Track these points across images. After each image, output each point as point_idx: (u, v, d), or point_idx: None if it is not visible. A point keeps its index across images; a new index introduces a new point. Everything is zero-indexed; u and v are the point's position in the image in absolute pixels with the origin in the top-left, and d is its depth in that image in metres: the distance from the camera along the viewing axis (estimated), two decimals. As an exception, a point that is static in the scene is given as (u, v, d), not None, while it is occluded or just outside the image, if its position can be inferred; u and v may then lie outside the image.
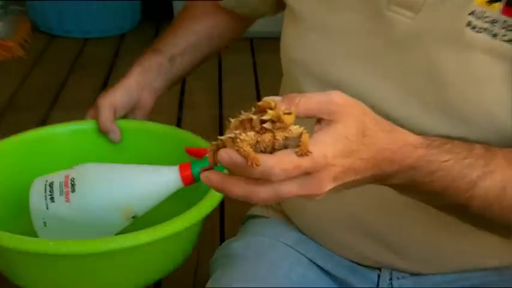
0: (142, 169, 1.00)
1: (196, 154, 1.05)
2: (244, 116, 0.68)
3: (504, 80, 0.83)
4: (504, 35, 0.82)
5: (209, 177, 0.69)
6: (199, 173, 0.71)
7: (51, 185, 0.98)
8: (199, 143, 1.07)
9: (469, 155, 0.79)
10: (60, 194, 0.97)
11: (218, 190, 0.69)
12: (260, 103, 0.67)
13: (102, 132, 1.11)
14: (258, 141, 0.66)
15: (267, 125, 0.66)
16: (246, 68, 3.04)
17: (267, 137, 0.67)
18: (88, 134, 1.12)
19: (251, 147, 0.66)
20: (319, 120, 0.70)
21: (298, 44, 0.96)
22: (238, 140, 0.66)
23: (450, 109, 0.85)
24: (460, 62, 0.84)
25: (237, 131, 0.67)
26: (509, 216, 0.81)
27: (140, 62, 1.15)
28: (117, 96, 1.11)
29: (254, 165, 0.65)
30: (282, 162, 0.66)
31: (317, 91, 0.71)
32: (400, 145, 0.74)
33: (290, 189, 0.68)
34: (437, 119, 0.86)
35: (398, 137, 0.75)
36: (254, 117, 0.67)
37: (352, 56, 0.91)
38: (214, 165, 0.70)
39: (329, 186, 0.69)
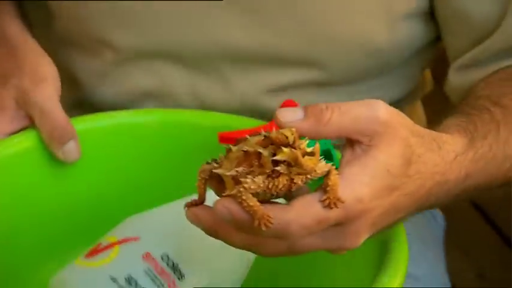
0: None
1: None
2: (249, 146, 0.53)
3: None
4: None
5: (198, 216, 0.54)
6: (184, 208, 0.55)
7: (130, 281, 0.62)
8: (229, 122, 0.74)
9: (499, 129, 0.68)
10: None
11: (210, 234, 0.55)
12: (273, 135, 0.52)
13: (55, 145, 0.72)
14: (268, 188, 0.52)
15: (281, 169, 0.52)
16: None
17: (282, 181, 0.52)
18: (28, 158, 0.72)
19: (259, 194, 0.52)
20: (351, 142, 0.56)
21: None
22: (242, 189, 0.51)
23: (309, 30, 0.77)
24: None
25: (240, 169, 0.52)
26: None
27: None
28: (56, 79, 0.75)
29: (263, 226, 0.51)
30: (301, 216, 0.51)
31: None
32: (450, 161, 0.61)
33: (311, 243, 0.54)
34: (296, 45, 0.78)
35: (446, 153, 0.61)
36: (264, 153, 0.52)
37: None
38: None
39: (365, 236, 0.55)
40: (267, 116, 0.77)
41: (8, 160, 0.72)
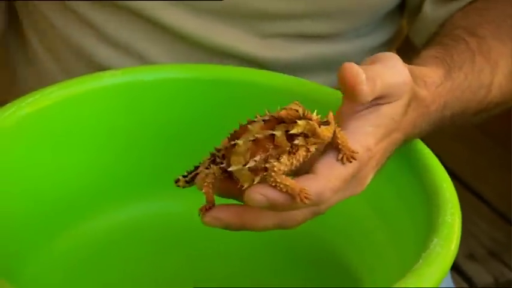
0: None
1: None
2: (256, 132, 0.52)
3: None
4: None
5: (219, 217, 0.53)
6: (199, 215, 0.54)
7: None
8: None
9: (474, 59, 0.71)
10: None
11: (236, 228, 0.54)
12: (282, 114, 0.52)
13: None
14: (292, 164, 0.52)
15: (299, 142, 0.52)
16: None
17: (302, 154, 0.52)
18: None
19: (285, 172, 0.51)
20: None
21: None
22: (273, 173, 0.51)
23: None
24: None
25: (257, 157, 0.52)
26: None
27: None
28: None
29: (305, 200, 0.51)
30: (330, 181, 0.52)
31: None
32: (432, 93, 0.64)
33: (334, 201, 0.55)
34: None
35: (431, 86, 0.64)
36: (277, 133, 0.52)
37: None
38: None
39: (371, 177, 0.57)
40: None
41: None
